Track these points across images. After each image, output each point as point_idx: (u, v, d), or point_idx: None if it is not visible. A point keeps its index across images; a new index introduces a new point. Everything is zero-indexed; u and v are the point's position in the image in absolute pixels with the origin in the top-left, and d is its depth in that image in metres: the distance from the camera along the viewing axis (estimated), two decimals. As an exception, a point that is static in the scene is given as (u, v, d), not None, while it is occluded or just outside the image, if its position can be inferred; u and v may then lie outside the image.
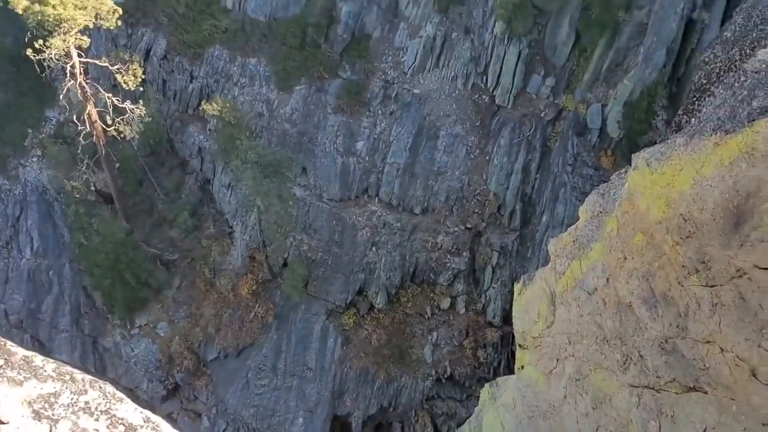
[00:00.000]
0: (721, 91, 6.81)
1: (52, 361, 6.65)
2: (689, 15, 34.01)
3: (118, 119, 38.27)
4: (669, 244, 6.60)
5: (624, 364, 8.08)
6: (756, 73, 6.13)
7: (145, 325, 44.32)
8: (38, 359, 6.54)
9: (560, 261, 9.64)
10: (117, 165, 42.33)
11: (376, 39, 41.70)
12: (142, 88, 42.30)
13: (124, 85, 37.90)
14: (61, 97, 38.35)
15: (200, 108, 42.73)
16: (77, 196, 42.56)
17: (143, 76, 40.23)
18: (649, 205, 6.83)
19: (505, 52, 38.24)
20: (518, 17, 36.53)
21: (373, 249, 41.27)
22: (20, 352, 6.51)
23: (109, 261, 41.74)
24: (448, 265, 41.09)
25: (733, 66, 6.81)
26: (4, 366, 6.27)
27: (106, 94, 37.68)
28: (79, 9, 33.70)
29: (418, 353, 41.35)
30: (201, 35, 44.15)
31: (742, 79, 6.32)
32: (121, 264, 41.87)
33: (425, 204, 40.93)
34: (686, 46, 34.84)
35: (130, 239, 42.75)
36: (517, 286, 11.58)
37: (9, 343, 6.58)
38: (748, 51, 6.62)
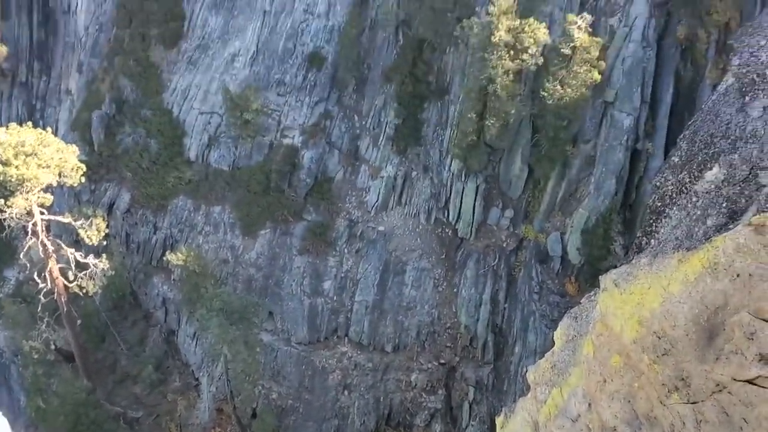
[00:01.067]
0: (676, 212, 7.14)
1: None
2: (633, 146, 35.98)
3: (81, 274, 37.73)
4: (646, 363, 6.62)
5: (616, 493, 7.79)
6: (707, 193, 6.48)
7: (106, 491, 41.39)
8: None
9: (540, 389, 9.52)
10: (79, 321, 41.23)
11: (339, 181, 42.88)
12: (105, 242, 42.04)
13: (87, 240, 37.66)
14: (21, 255, 37.83)
15: (164, 258, 42.50)
16: (36, 356, 40.90)
17: (106, 230, 40.12)
18: (622, 325, 6.91)
19: (463, 188, 39.59)
20: (473, 155, 38.17)
21: (345, 392, 40.08)
22: None
23: (68, 424, 39.53)
24: (424, 404, 39.95)
25: (683, 188, 7.20)
26: None
27: (69, 250, 37.34)
28: (43, 168, 33.90)
29: (399, 502, 39.20)
30: (165, 187, 44.84)
31: (694, 199, 6.66)
32: (81, 426, 39.66)
33: (396, 341, 40.42)
34: (634, 174, 36.56)
35: (91, 398, 40.81)
36: (498, 420, 11.31)
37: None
38: (696, 173, 7.03)
